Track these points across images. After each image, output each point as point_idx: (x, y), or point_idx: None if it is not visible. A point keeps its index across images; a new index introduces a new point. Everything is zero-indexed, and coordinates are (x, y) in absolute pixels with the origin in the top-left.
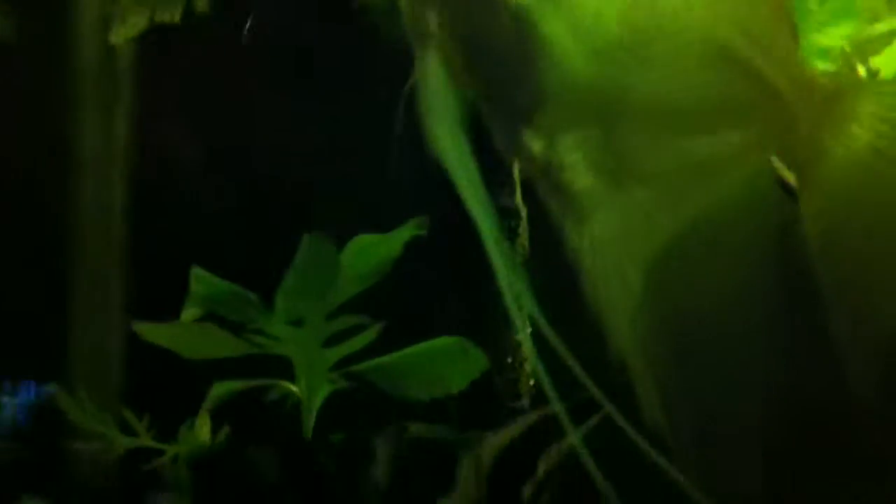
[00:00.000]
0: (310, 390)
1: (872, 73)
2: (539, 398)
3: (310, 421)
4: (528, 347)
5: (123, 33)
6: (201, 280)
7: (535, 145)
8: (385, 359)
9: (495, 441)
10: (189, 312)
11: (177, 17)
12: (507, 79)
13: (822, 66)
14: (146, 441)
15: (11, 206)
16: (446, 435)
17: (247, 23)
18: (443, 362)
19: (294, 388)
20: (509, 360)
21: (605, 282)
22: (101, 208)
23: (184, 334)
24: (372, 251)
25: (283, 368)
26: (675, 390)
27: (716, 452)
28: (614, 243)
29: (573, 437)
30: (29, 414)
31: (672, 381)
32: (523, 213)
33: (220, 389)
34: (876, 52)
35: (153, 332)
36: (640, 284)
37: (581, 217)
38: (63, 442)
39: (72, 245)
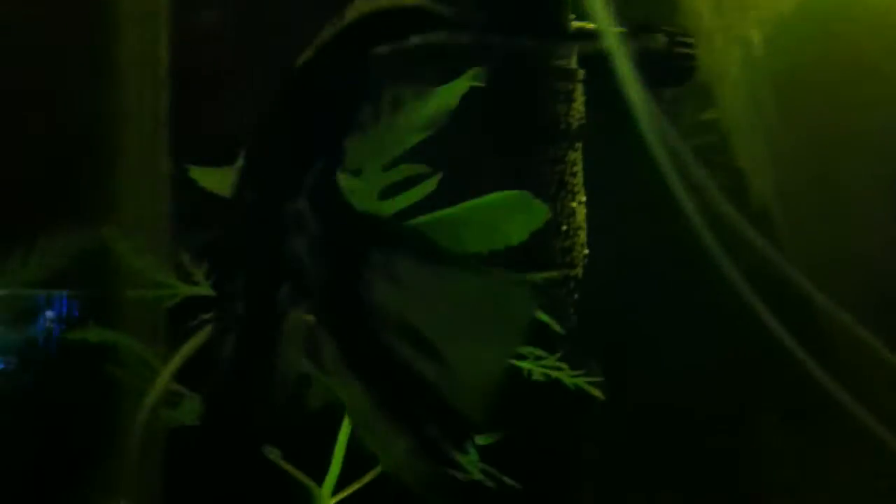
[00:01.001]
0: None
1: None
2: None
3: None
4: (582, 215)
5: None
6: None
7: None
8: (443, 211)
9: None
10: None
11: None
12: None
13: None
14: (205, 289)
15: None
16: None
17: None
18: (503, 214)
19: None
20: (563, 227)
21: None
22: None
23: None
24: (428, 102)
25: None
26: None
27: None
28: None
29: None
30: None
31: None
32: (580, 76)
33: None
34: None
35: (209, 177)
36: None
37: None
38: (117, 291)
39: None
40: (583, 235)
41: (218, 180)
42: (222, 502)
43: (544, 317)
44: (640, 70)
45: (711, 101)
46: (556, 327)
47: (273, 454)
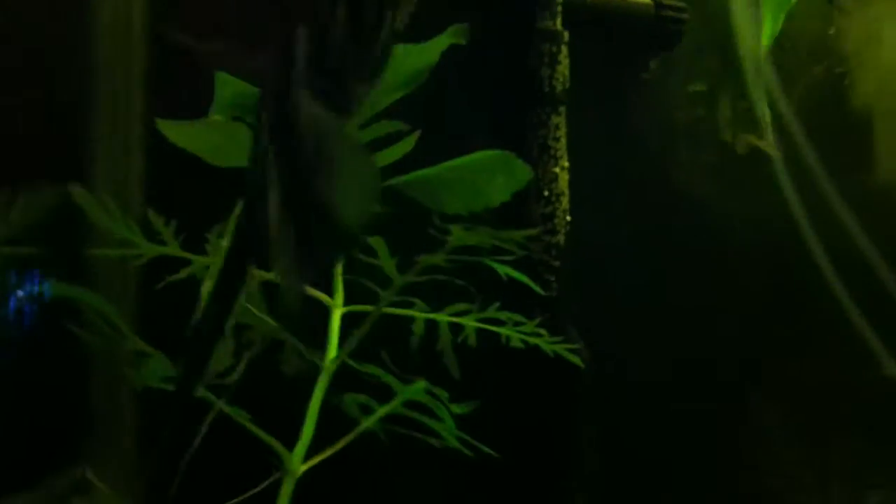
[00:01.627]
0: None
1: None
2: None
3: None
4: (565, 181)
5: None
6: (227, 84)
7: None
8: (422, 171)
9: None
10: (214, 119)
11: None
12: None
13: None
14: (174, 250)
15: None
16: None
17: None
18: (484, 175)
19: None
20: (545, 192)
21: None
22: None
23: (211, 135)
24: (407, 59)
25: None
26: None
27: None
28: None
29: None
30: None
31: None
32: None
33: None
34: None
35: (178, 132)
36: None
37: None
38: (83, 248)
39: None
40: (565, 202)
41: (188, 136)
42: (193, 467)
43: (523, 278)
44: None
45: (698, 73)
46: (536, 288)
47: (243, 418)
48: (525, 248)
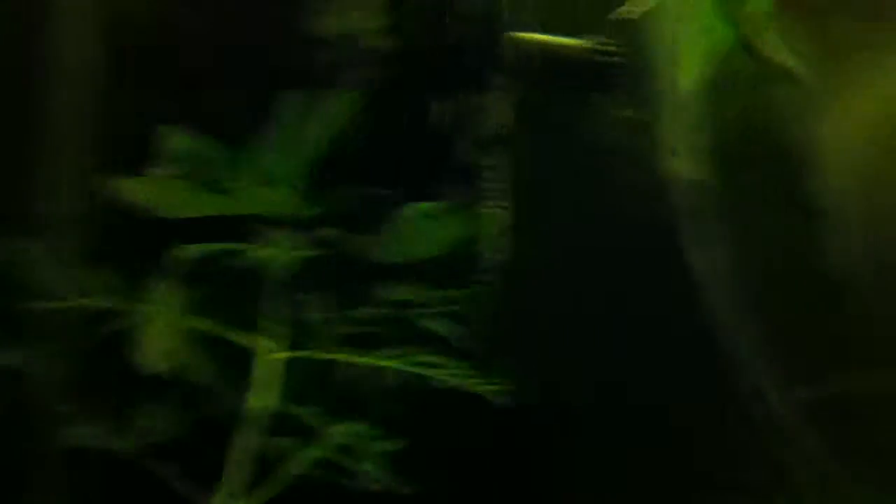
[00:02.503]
0: (277, 253)
1: None
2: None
3: (274, 287)
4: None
5: None
6: (171, 137)
7: None
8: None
9: None
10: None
11: None
12: None
13: None
14: (116, 302)
15: None
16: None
17: None
18: (418, 227)
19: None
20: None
21: None
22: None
23: (161, 189)
24: (336, 116)
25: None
26: None
27: None
28: None
29: None
30: None
31: None
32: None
33: (182, 253)
34: None
35: (129, 187)
36: None
37: None
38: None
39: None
40: (501, 241)
41: (138, 190)
42: None
43: (445, 329)
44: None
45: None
46: (456, 343)
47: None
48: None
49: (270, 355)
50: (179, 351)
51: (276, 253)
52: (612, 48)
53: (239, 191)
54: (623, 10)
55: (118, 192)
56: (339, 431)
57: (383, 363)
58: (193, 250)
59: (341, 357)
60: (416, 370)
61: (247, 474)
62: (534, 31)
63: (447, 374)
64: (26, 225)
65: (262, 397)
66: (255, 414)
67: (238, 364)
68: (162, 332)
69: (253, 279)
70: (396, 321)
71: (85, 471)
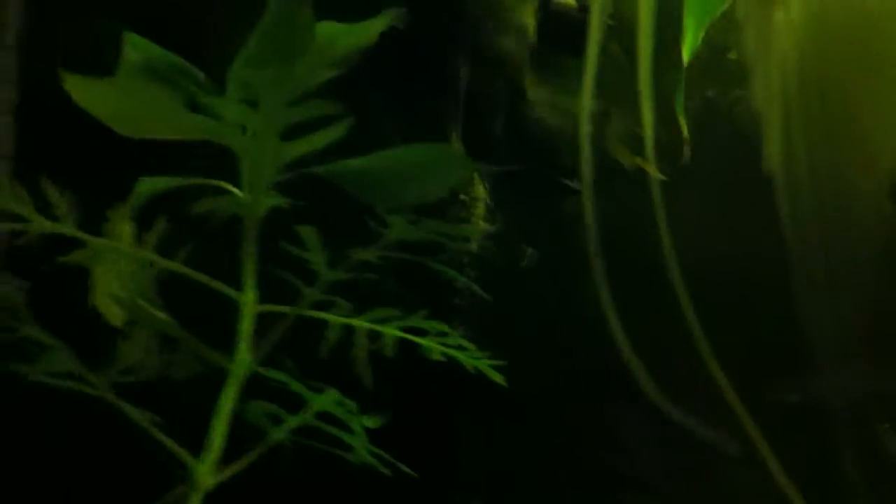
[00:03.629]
0: (256, 194)
1: None
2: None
3: (252, 230)
4: (480, 185)
5: None
6: (137, 46)
7: None
8: (352, 161)
9: None
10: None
11: None
12: None
13: None
14: (68, 228)
15: None
16: None
17: None
18: (421, 167)
19: (238, 193)
20: (462, 196)
21: None
22: None
23: (122, 97)
24: (341, 38)
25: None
26: None
27: None
28: None
29: None
30: None
31: None
32: None
33: (146, 186)
34: None
35: (84, 90)
36: None
37: None
38: None
39: None
40: (482, 208)
41: (96, 98)
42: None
43: (464, 278)
44: None
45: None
46: (478, 291)
47: (146, 422)
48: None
49: (251, 309)
50: (138, 299)
51: (258, 193)
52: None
53: (218, 110)
54: None
55: (76, 95)
56: (324, 399)
57: (380, 328)
58: (159, 182)
59: (333, 318)
60: (416, 339)
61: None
62: None
63: (446, 343)
64: None
65: (242, 356)
66: (236, 373)
67: (214, 319)
68: (114, 273)
69: (232, 222)
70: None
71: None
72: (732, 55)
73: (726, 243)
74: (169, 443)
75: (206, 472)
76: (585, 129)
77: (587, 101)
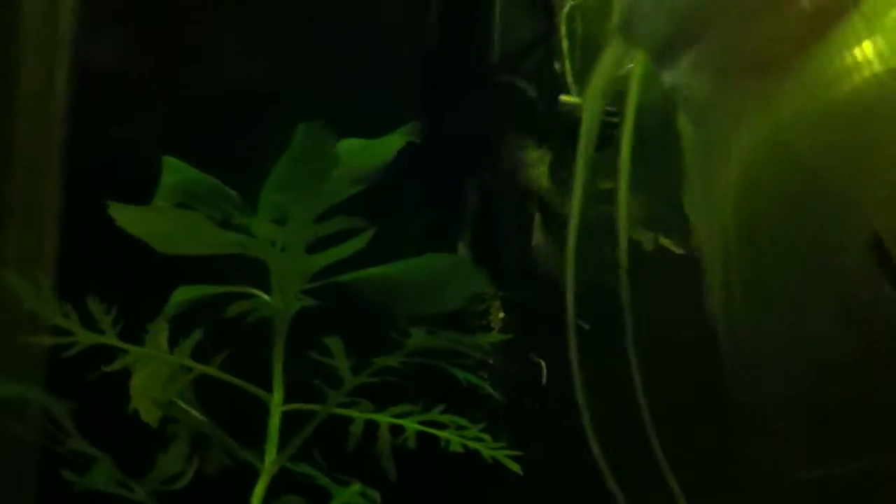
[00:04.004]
0: (285, 300)
1: None
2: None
3: (281, 334)
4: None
5: None
6: (174, 169)
7: None
8: (374, 270)
9: None
10: (162, 205)
11: None
12: None
13: None
14: (111, 339)
15: None
16: None
17: None
18: (438, 277)
19: (267, 298)
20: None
21: None
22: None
23: (160, 220)
24: (363, 154)
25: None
26: None
27: None
28: None
29: None
30: None
31: None
32: None
33: (181, 294)
34: None
35: (127, 215)
36: None
37: None
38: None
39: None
40: (498, 303)
41: (136, 221)
42: None
43: (482, 383)
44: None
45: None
46: (493, 393)
47: None
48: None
49: (281, 407)
50: (174, 399)
51: (288, 299)
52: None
53: (248, 227)
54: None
55: (119, 220)
56: (348, 492)
57: (402, 422)
58: (194, 291)
59: (357, 415)
60: (436, 433)
61: None
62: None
63: (469, 438)
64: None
65: (272, 452)
66: (266, 469)
67: (245, 417)
68: (153, 378)
69: (262, 326)
70: (419, 372)
71: None
72: None
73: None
74: None
75: None
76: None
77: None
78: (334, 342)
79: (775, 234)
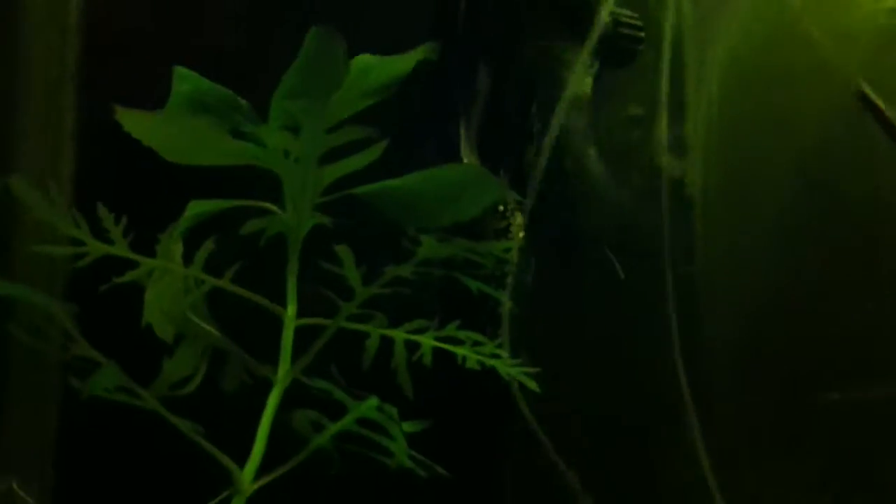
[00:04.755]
0: (299, 215)
1: None
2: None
3: (295, 249)
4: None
5: None
6: (185, 79)
7: None
8: (388, 182)
9: None
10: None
11: None
12: None
13: None
14: (122, 250)
15: None
16: None
17: None
18: (454, 188)
19: (281, 213)
20: (500, 206)
21: None
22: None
23: (170, 129)
24: (379, 69)
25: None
26: None
27: None
28: None
29: None
30: None
31: None
32: None
33: (196, 208)
34: None
35: (136, 123)
36: None
37: None
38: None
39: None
40: (520, 217)
41: (146, 129)
42: (138, 483)
43: (498, 293)
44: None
45: (637, 96)
46: (507, 302)
47: (195, 433)
48: (499, 262)
49: (294, 322)
50: (189, 314)
51: (301, 214)
52: (637, 23)
53: (259, 137)
54: None
55: (128, 126)
56: (364, 406)
57: (417, 338)
58: (208, 206)
59: (371, 330)
60: (452, 349)
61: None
62: None
63: (484, 355)
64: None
65: (285, 364)
66: (280, 383)
67: (259, 333)
68: (167, 291)
69: (276, 240)
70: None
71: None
72: None
73: None
74: (214, 451)
75: (249, 478)
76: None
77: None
78: (343, 251)
79: (751, 102)
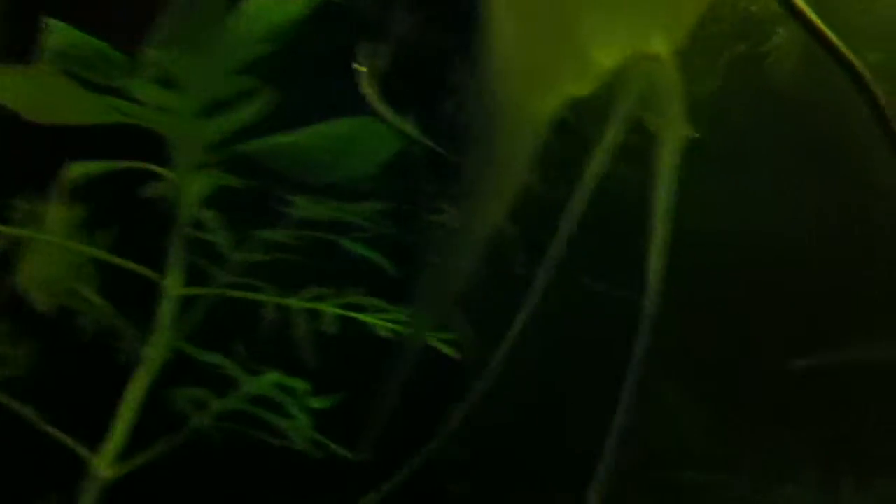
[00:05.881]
0: (187, 174)
1: None
2: None
3: (186, 210)
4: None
5: None
6: (56, 31)
7: None
8: (278, 137)
9: None
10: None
11: None
12: None
13: None
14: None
15: None
16: None
17: None
18: (346, 142)
19: (167, 173)
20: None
21: None
22: None
23: (33, 86)
24: (268, 13)
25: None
26: None
27: None
28: None
29: None
30: None
31: None
32: None
33: (78, 170)
34: None
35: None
36: None
37: None
38: None
39: None
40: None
41: (7, 86)
42: None
43: (374, 254)
44: None
45: None
46: (389, 267)
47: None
48: (386, 224)
49: (175, 291)
50: (64, 282)
51: (189, 173)
52: None
53: (138, 94)
54: None
55: None
56: (258, 382)
57: (313, 305)
58: (92, 167)
59: (263, 298)
60: (357, 316)
61: (135, 427)
62: None
63: (387, 319)
64: None
65: (162, 339)
66: (153, 358)
67: (139, 301)
68: (43, 259)
69: (157, 204)
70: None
71: None
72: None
73: None
74: (60, 436)
75: (105, 465)
76: None
77: None
78: (210, 215)
79: None
